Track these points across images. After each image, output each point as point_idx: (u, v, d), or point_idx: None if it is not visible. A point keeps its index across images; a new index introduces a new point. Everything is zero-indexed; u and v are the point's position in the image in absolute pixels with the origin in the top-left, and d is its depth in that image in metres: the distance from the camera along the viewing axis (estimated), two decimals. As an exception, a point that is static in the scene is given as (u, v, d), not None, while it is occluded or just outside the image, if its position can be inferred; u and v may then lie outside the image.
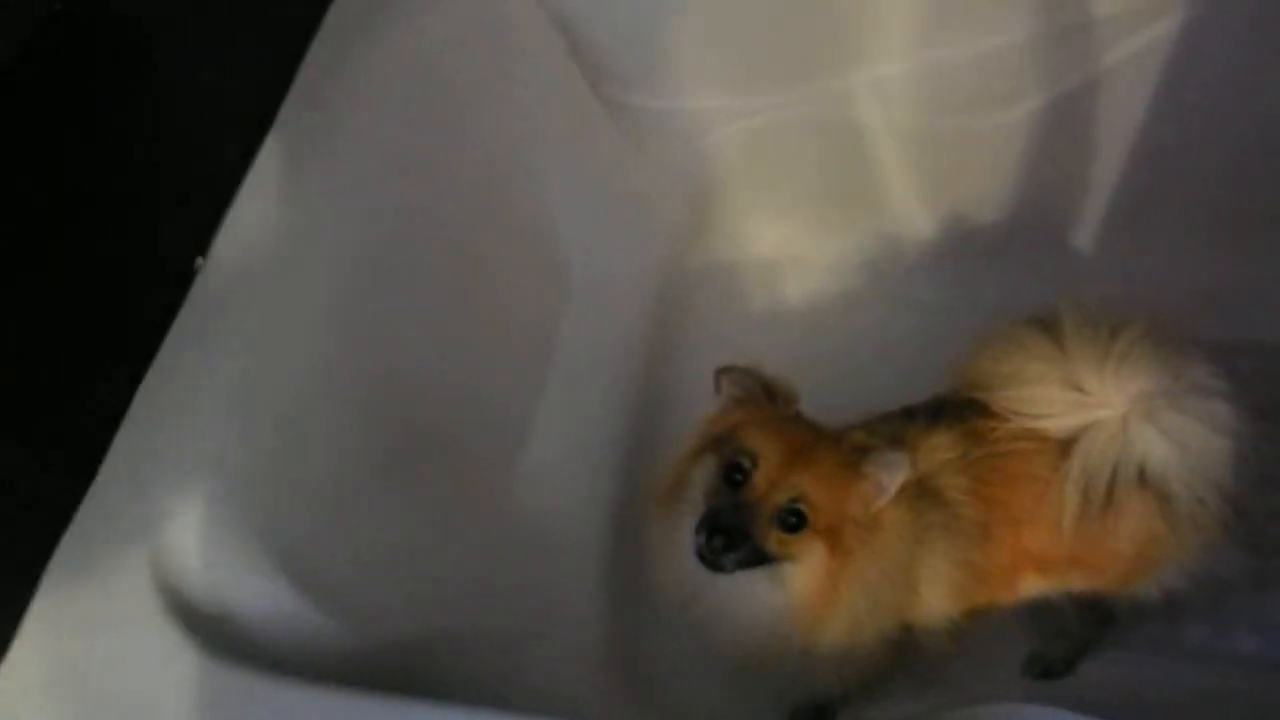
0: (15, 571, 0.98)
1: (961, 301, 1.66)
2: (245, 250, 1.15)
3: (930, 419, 1.18)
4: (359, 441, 1.21)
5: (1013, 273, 1.66)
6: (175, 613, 0.97)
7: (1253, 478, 1.16)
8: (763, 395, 1.12)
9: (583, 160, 1.62)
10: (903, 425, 1.18)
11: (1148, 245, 1.66)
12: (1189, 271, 1.61)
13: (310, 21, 1.34)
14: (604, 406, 1.57)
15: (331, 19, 1.35)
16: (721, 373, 1.13)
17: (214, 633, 0.97)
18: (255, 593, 1.03)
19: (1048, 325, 1.16)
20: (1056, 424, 1.13)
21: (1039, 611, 1.36)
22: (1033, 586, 1.24)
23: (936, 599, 1.15)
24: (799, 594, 1.08)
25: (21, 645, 0.96)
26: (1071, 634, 1.38)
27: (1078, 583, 1.25)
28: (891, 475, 1.06)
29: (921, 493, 1.12)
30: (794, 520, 1.05)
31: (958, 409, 1.18)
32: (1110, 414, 1.11)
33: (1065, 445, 1.13)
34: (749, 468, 1.06)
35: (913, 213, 1.74)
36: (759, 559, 1.06)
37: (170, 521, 1.01)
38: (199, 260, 1.14)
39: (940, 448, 1.15)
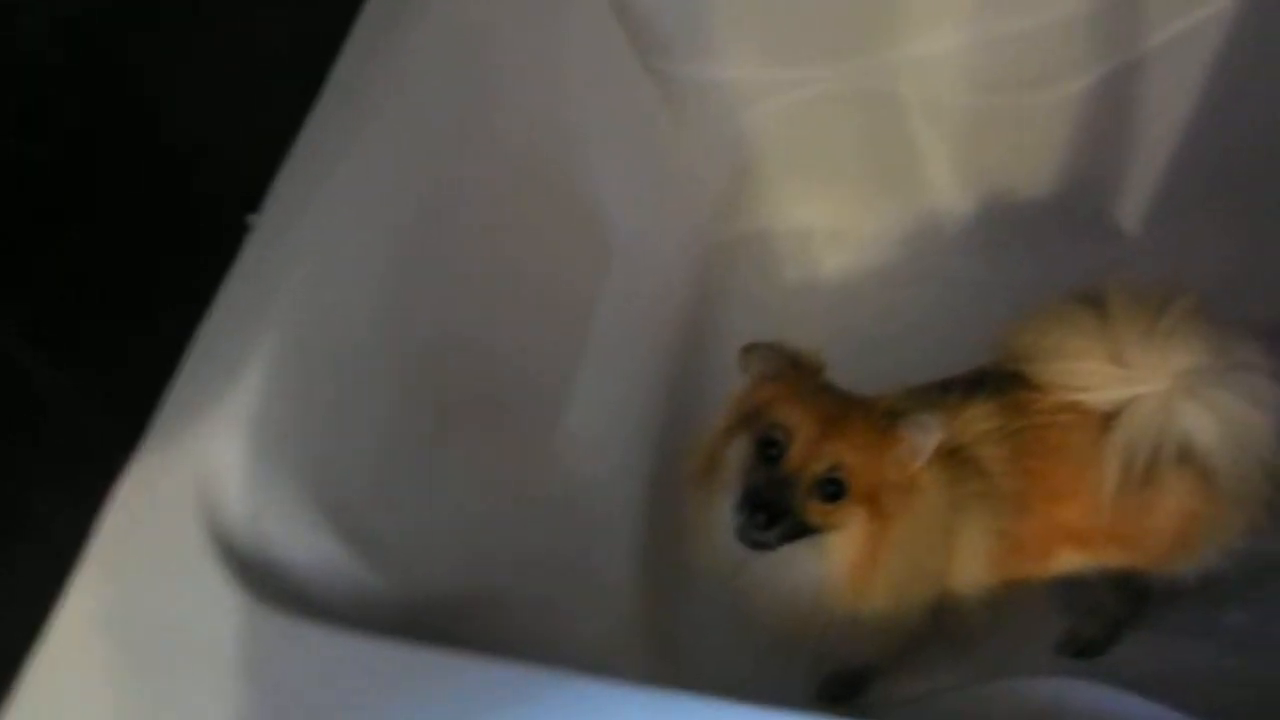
0: (73, 515, 1.01)
1: (999, 279, 1.66)
2: (297, 209, 1.17)
3: (968, 390, 1.18)
4: (406, 402, 1.23)
5: (1051, 251, 1.66)
6: (225, 560, 0.99)
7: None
8: (790, 369, 1.12)
9: (626, 131, 1.62)
10: (940, 396, 1.18)
11: (1190, 226, 1.64)
12: (1231, 251, 1.60)
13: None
14: (642, 376, 1.58)
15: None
16: (746, 351, 1.13)
17: (262, 580, 0.99)
18: (303, 543, 1.05)
19: (1093, 300, 1.16)
20: (1099, 398, 1.13)
21: (1074, 589, 1.36)
22: (1068, 561, 1.24)
23: (972, 568, 1.16)
24: (843, 562, 1.09)
25: (78, 588, 0.98)
26: (1106, 612, 1.38)
27: (1114, 559, 1.25)
28: (926, 437, 1.06)
29: (959, 461, 1.13)
30: (833, 489, 1.06)
31: (998, 381, 1.18)
32: (1154, 389, 1.11)
33: (1107, 420, 1.13)
34: (783, 441, 1.06)
35: (952, 190, 1.74)
36: (801, 531, 1.07)
37: (220, 469, 1.03)
38: (251, 217, 1.16)
39: (978, 418, 1.15)
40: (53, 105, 0.94)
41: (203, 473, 1.03)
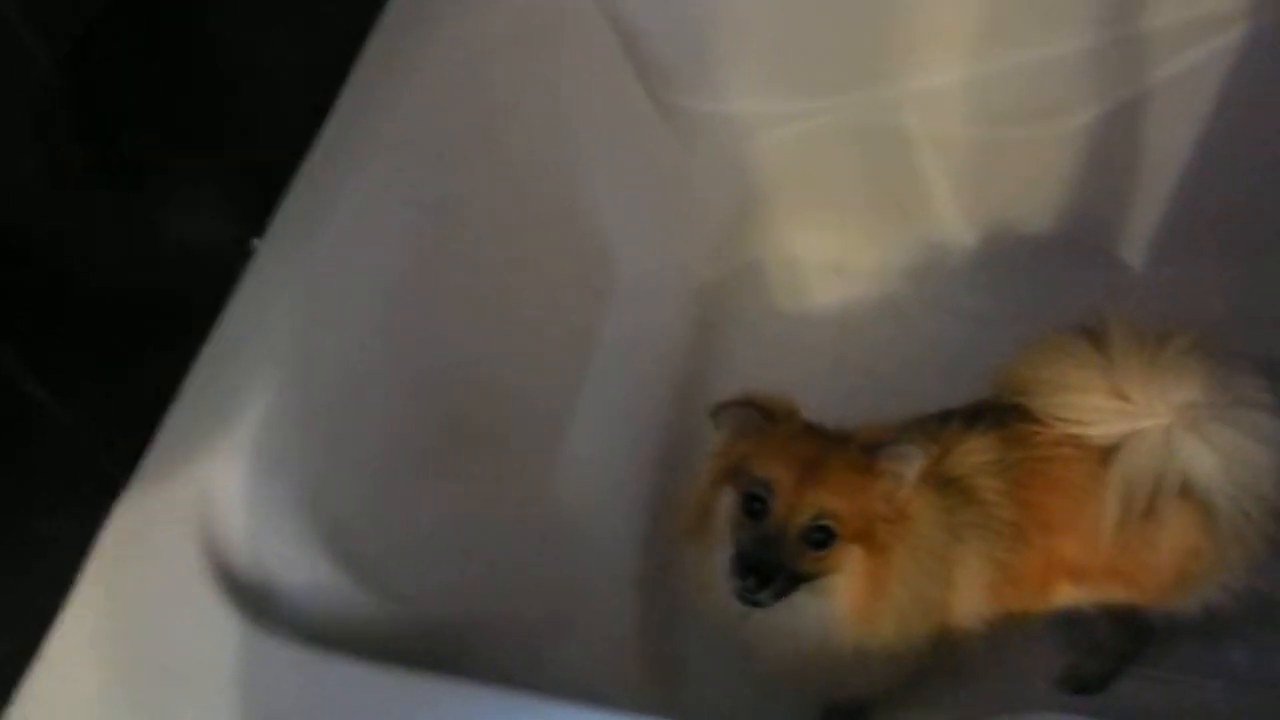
0: (70, 537, 1.01)
1: (1003, 311, 1.66)
2: (299, 234, 1.18)
3: (967, 421, 1.17)
4: (405, 427, 1.23)
5: (1055, 284, 1.66)
6: (221, 582, 0.99)
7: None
8: (761, 421, 1.10)
9: (631, 160, 1.63)
10: (939, 427, 1.18)
11: (1193, 260, 1.65)
12: (1234, 287, 1.61)
13: (370, 11, 1.37)
14: (642, 404, 1.58)
15: (391, 10, 1.38)
16: (713, 413, 1.12)
17: (257, 602, 0.99)
18: (300, 568, 1.05)
19: (1093, 333, 1.16)
20: (1099, 431, 1.12)
21: (1074, 624, 1.35)
22: (1067, 595, 1.23)
23: (971, 598, 1.15)
24: (847, 600, 1.09)
25: (74, 608, 0.99)
26: (1106, 648, 1.37)
27: (1113, 594, 1.24)
28: (907, 465, 1.05)
29: (956, 491, 1.13)
30: (822, 536, 1.05)
31: (998, 413, 1.18)
32: (1154, 423, 1.11)
33: (1107, 454, 1.13)
34: (765, 496, 1.05)
35: (957, 222, 1.75)
36: (797, 583, 1.07)
37: (219, 494, 1.03)
38: (254, 241, 1.17)
39: (977, 449, 1.15)
40: (51, 118, 0.94)
41: (201, 497, 1.03)
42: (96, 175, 1.00)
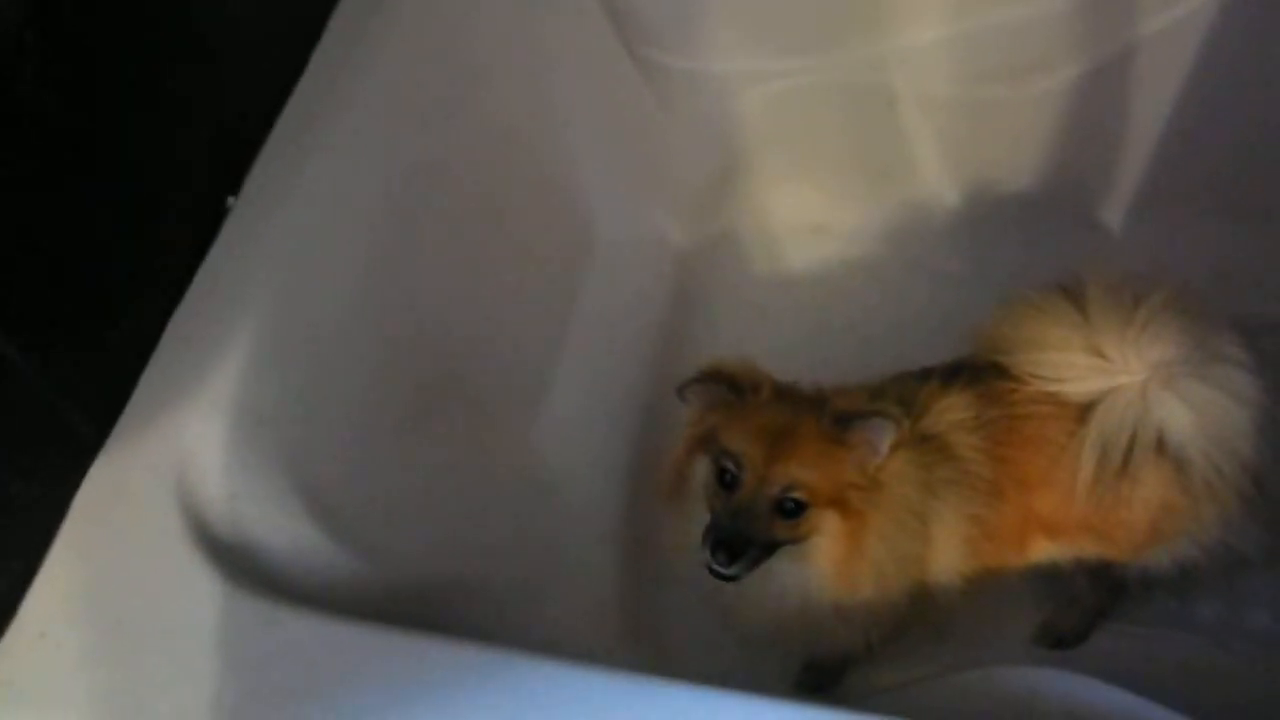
0: (46, 497, 1.00)
1: (984, 272, 1.66)
2: (275, 192, 1.16)
3: (945, 379, 1.18)
4: (384, 386, 1.23)
5: (1037, 244, 1.66)
6: (199, 541, 0.99)
7: (1272, 453, 1.17)
8: (730, 394, 1.11)
9: (610, 119, 1.62)
10: (917, 384, 1.18)
11: (1172, 221, 1.65)
12: (1213, 248, 1.61)
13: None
14: (623, 364, 1.58)
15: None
16: (680, 390, 1.13)
17: (236, 562, 0.99)
18: (279, 527, 1.05)
19: (1071, 292, 1.17)
20: (1076, 389, 1.13)
21: (1050, 579, 1.37)
22: (1043, 551, 1.25)
23: (948, 553, 1.16)
24: (826, 562, 1.10)
25: (51, 568, 0.98)
26: (1082, 603, 1.39)
27: (1088, 549, 1.26)
28: (881, 436, 1.06)
29: (933, 448, 1.13)
30: (792, 506, 1.06)
31: (975, 371, 1.19)
32: (1131, 380, 1.11)
33: (1083, 411, 1.14)
34: (734, 469, 1.06)
35: (938, 182, 1.74)
36: (771, 550, 1.08)
37: (197, 453, 1.03)
38: (231, 199, 1.16)
39: (954, 407, 1.16)
40: (14, 71, 0.92)
41: (178, 455, 1.03)
42: (66, 132, 0.98)
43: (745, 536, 1.05)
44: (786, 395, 1.12)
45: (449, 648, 0.96)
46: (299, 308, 1.13)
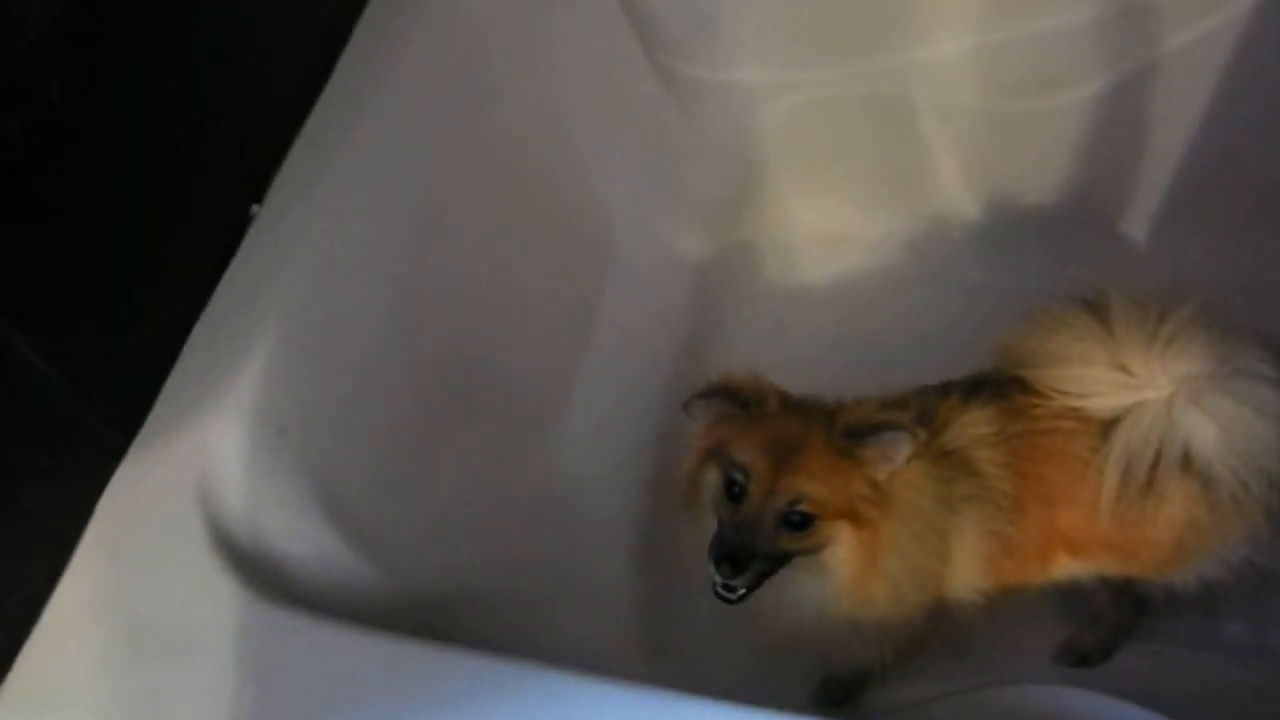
0: (70, 503, 1.01)
1: (1007, 284, 1.65)
2: (299, 201, 1.17)
3: (967, 393, 1.17)
4: (404, 397, 1.23)
5: (1059, 257, 1.65)
6: (220, 548, 0.99)
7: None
8: (736, 409, 1.10)
9: (632, 130, 1.62)
10: (938, 398, 1.17)
11: (1197, 234, 1.64)
12: (1237, 262, 1.60)
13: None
14: (642, 377, 1.58)
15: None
16: (687, 405, 1.12)
17: (256, 570, 1.00)
18: (300, 536, 1.05)
19: (1094, 306, 1.16)
20: (1100, 404, 1.12)
21: (1072, 597, 1.35)
22: (1065, 568, 1.24)
23: (968, 570, 1.15)
24: (840, 574, 1.09)
25: (74, 573, 0.99)
26: (1105, 621, 1.37)
27: (1112, 567, 1.24)
28: (895, 450, 1.05)
29: (954, 463, 1.13)
30: (799, 519, 1.05)
31: (997, 385, 1.18)
32: (1156, 395, 1.10)
33: (1107, 426, 1.12)
34: (742, 481, 1.06)
35: (960, 194, 1.73)
36: (780, 563, 1.07)
37: (219, 460, 1.03)
38: (255, 208, 1.17)
39: (975, 422, 1.15)
40: (42, 80, 0.93)
41: (200, 462, 1.03)
42: (92, 137, 0.99)
43: (749, 549, 1.05)
44: (795, 407, 1.11)
45: (467, 659, 0.96)
46: (322, 317, 1.14)
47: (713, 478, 1.11)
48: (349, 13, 1.32)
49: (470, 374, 1.35)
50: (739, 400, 1.10)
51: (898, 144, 1.70)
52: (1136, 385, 1.11)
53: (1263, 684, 1.36)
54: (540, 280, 1.48)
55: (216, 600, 0.97)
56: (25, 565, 0.97)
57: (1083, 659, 1.38)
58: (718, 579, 1.05)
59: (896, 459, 1.05)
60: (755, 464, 1.05)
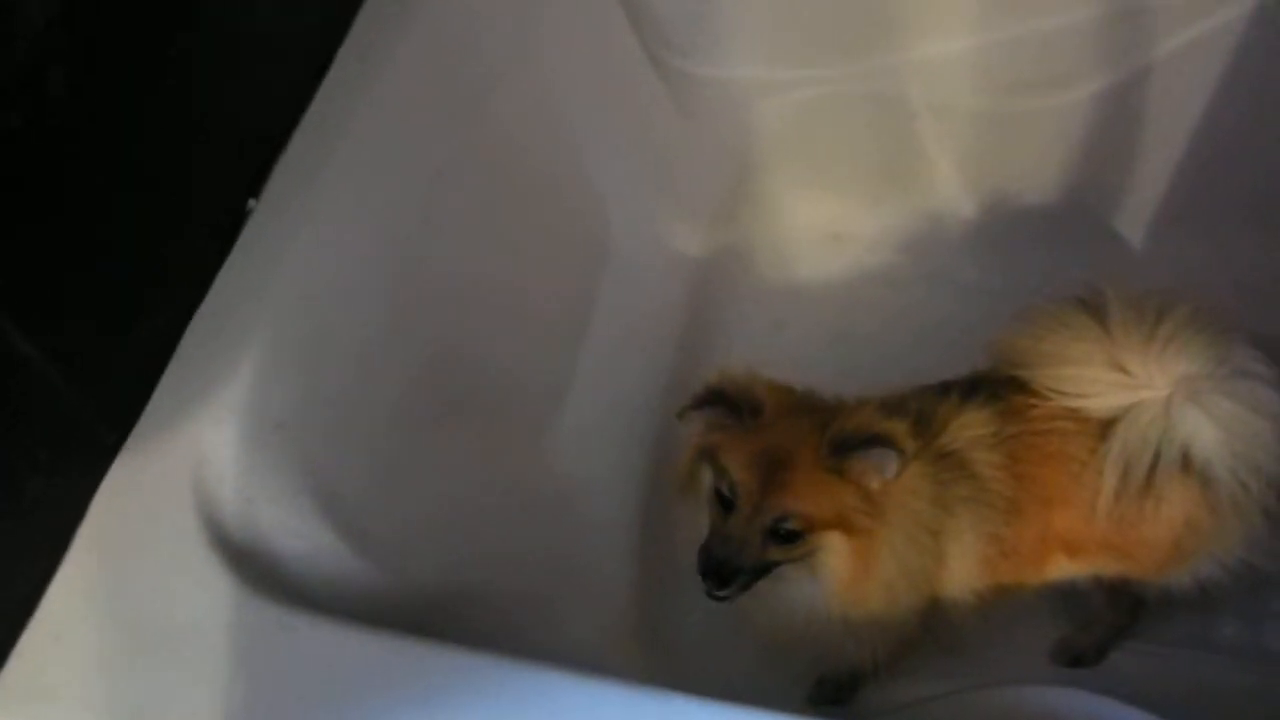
0: (65, 499, 1.00)
1: (1004, 283, 1.65)
2: (297, 195, 1.17)
3: (964, 394, 1.17)
4: (399, 393, 1.23)
5: (1056, 257, 1.65)
6: (215, 545, 0.99)
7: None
8: (728, 418, 1.09)
9: (629, 125, 1.62)
10: (936, 400, 1.17)
11: (1193, 235, 1.64)
12: (1233, 264, 1.60)
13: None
14: (639, 375, 1.58)
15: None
16: (680, 415, 1.12)
17: (251, 566, 0.99)
18: (293, 531, 1.05)
19: (1091, 306, 1.15)
20: (1098, 404, 1.12)
21: (1068, 597, 1.36)
22: (1062, 569, 1.24)
23: (963, 571, 1.15)
24: (833, 577, 1.09)
25: (68, 569, 0.98)
26: (1100, 621, 1.38)
27: (1108, 568, 1.24)
28: (884, 465, 1.04)
29: (951, 465, 1.12)
30: (786, 534, 1.06)
31: (995, 386, 1.18)
32: (1154, 395, 1.10)
33: (1105, 427, 1.12)
34: (729, 495, 1.06)
35: (958, 193, 1.73)
36: (763, 572, 1.08)
37: (213, 456, 1.03)
38: (251, 202, 1.16)
39: (973, 424, 1.14)
40: (40, 74, 0.93)
41: (195, 459, 1.03)
42: (89, 132, 0.98)
43: (734, 565, 1.05)
44: (791, 410, 1.10)
45: (463, 657, 0.96)
46: (318, 313, 1.14)
47: (708, 476, 1.11)
48: (347, 7, 1.31)
49: (467, 370, 1.35)
50: (732, 406, 1.09)
51: (895, 143, 1.70)
52: (1135, 385, 1.11)
53: (1258, 684, 1.37)
54: (537, 277, 1.48)
55: (211, 597, 0.97)
56: (20, 561, 0.96)
57: (1078, 659, 1.38)
58: (705, 588, 1.06)
59: (885, 473, 1.04)
60: (743, 479, 1.05)
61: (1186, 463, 1.10)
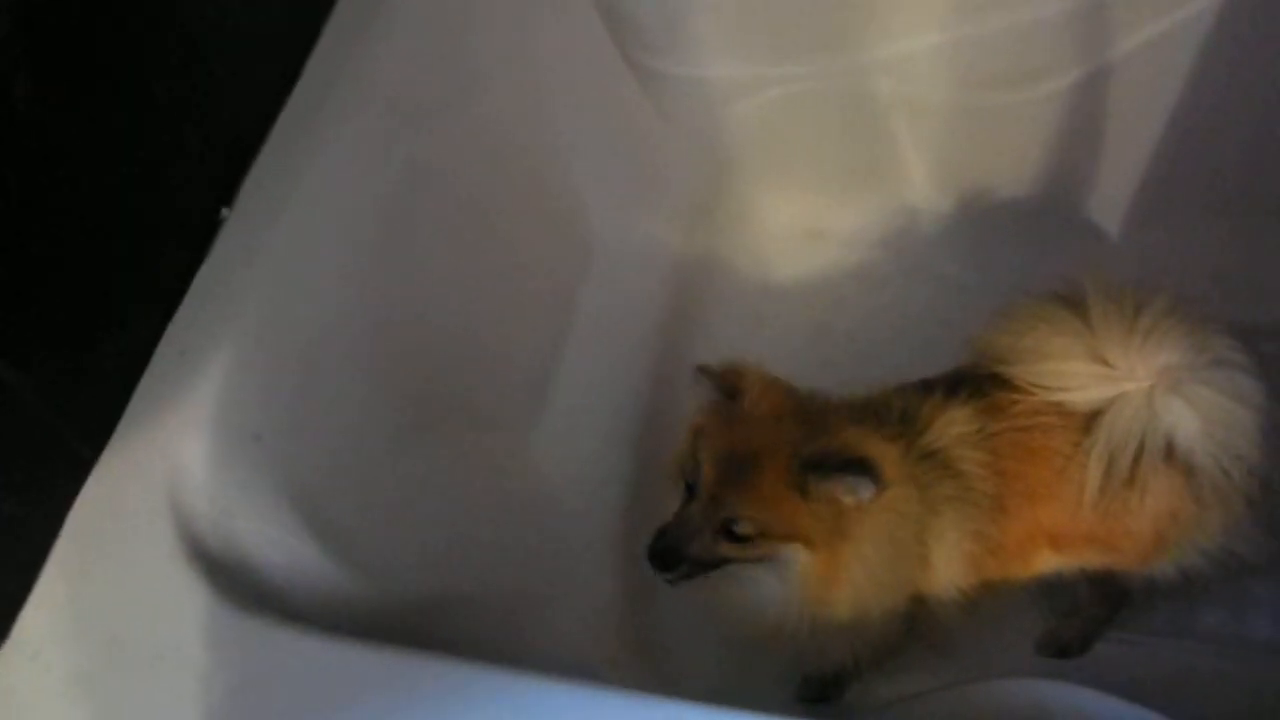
0: (40, 515, 0.99)
1: (980, 278, 1.66)
2: (269, 203, 1.15)
3: (948, 392, 1.17)
4: (379, 398, 1.21)
5: (1033, 251, 1.65)
6: (193, 559, 0.97)
7: (1275, 458, 1.16)
8: (722, 401, 1.08)
9: (607, 126, 1.62)
10: (920, 399, 1.17)
11: (1169, 227, 1.65)
12: (1209, 254, 1.61)
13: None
14: (621, 374, 1.57)
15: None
16: (695, 374, 1.11)
17: (229, 579, 0.98)
18: (272, 542, 1.04)
19: (1071, 300, 1.15)
20: (1081, 397, 1.12)
21: (1053, 589, 1.36)
22: (1047, 563, 1.24)
23: (948, 570, 1.15)
24: (797, 584, 1.08)
25: (44, 587, 0.97)
26: (1085, 612, 1.38)
27: (1093, 560, 1.24)
28: (857, 492, 1.02)
29: (935, 465, 1.12)
30: (737, 534, 1.05)
31: (976, 382, 1.18)
32: (1136, 387, 1.10)
33: (1088, 420, 1.12)
34: (693, 482, 1.06)
35: (934, 188, 1.74)
36: (712, 566, 1.07)
37: (189, 469, 1.01)
38: (225, 210, 1.15)
39: (956, 421, 1.14)
40: (5, 79, 0.91)
41: (171, 471, 1.01)
42: (58, 141, 0.97)
43: (677, 554, 1.06)
44: (778, 415, 1.08)
45: (446, 667, 0.94)
46: (294, 321, 1.12)
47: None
48: (318, 11, 1.30)
49: (447, 374, 1.34)
50: (728, 389, 1.08)
51: (872, 138, 1.70)
52: (1117, 377, 1.11)
53: (1242, 671, 1.37)
54: (517, 277, 1.47)
55: (190, 611, 0.95)
56: (-4, 579, 0.95)
57: (1063, 650, 1.39)
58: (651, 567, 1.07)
59: (860, 497, 1.03)
60: (706, 470, 1.05)
61: (1170, 453, 1.11)
